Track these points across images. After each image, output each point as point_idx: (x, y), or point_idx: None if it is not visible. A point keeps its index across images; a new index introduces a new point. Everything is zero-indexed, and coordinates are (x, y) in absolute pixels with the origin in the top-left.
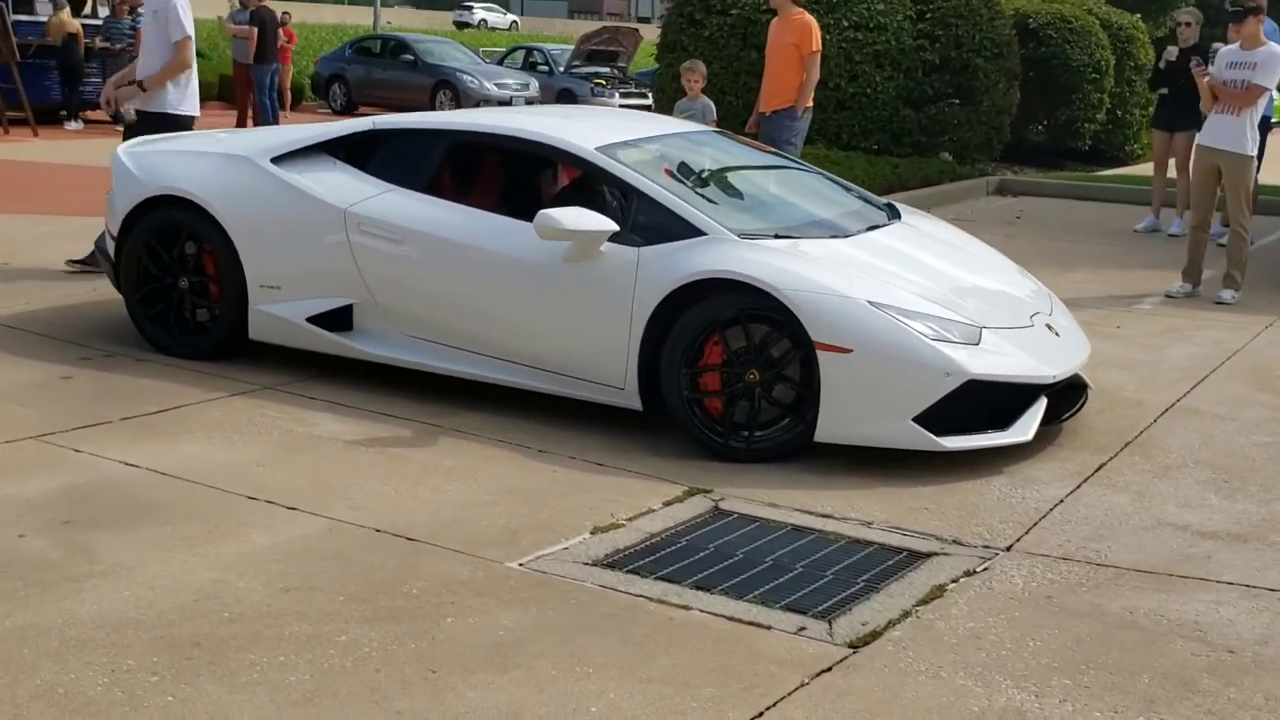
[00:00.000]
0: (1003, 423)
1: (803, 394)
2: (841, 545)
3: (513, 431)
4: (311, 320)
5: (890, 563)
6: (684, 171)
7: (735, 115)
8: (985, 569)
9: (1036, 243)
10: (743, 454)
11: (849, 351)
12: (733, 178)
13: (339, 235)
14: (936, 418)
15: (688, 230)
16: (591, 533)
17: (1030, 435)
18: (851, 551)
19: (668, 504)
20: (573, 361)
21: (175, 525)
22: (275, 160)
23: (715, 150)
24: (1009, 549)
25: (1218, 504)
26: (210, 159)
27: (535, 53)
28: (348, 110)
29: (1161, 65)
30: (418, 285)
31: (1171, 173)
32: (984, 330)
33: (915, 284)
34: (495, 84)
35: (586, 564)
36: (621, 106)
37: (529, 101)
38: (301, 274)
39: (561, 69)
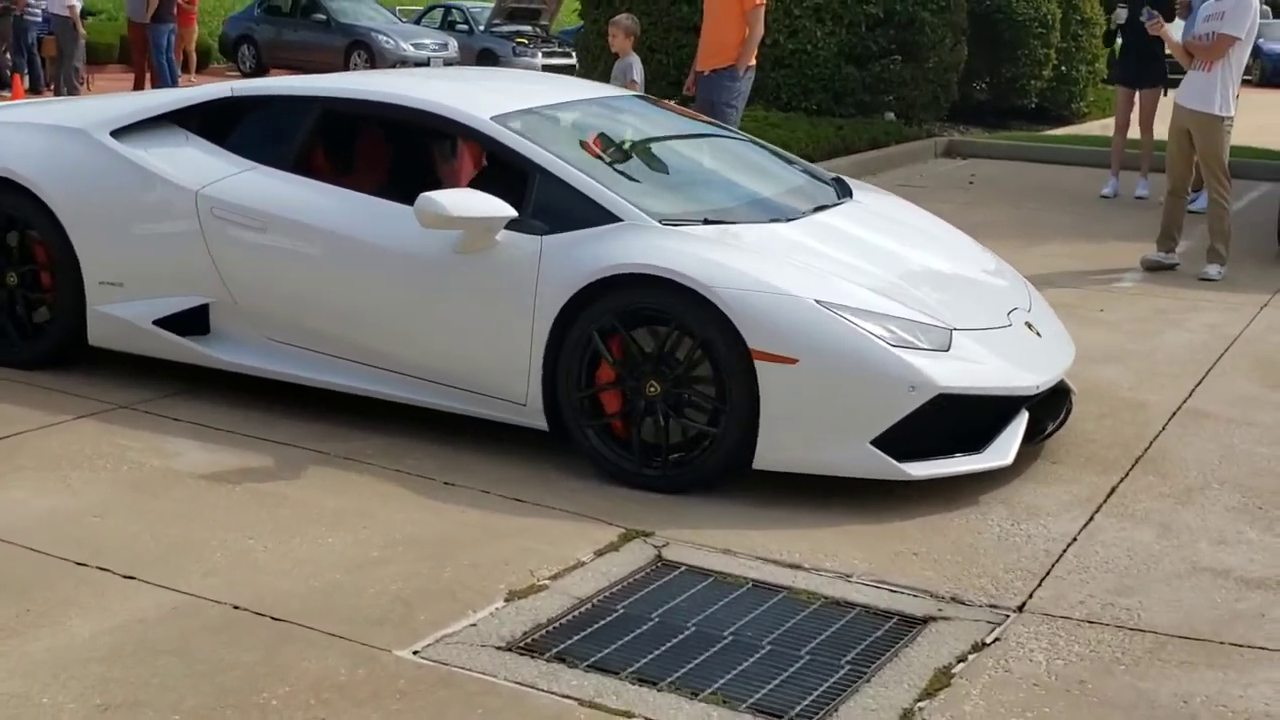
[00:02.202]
0: (977, 443)
1: (719, 408)
2: (817, 608)
3: (415, 458)
4: (160, 323)
5: (879, 633)
6: (598, 144)
7: (666, 75)
8: (996, 640)
9: (997, 211)
10: (658, 483)
11: (794, 362)
12: (655, 151)
13: (190, 222)
14: (899, 439)
15: (599, 215)
16: (506, 599)
17: (1010, 458)
18: (830, 618)
19: (600, 553)
20: (466, 372)
21: None
22: (116, 134)
23: (635, 119)
24: (1021, 609)
25: (1256, 539)
26: (41, 132)
27: (454, 11)
28: (257, 73)
29: (1113, 28)
30: (283, 282)
31: (1134, 132)
32: (954, 333)
33: (872, 277)
34: (412, 44)
35: (499, 648)
36: (544, 68)
37: (447, 63)
38: (147, 269)
39: (482, 28)
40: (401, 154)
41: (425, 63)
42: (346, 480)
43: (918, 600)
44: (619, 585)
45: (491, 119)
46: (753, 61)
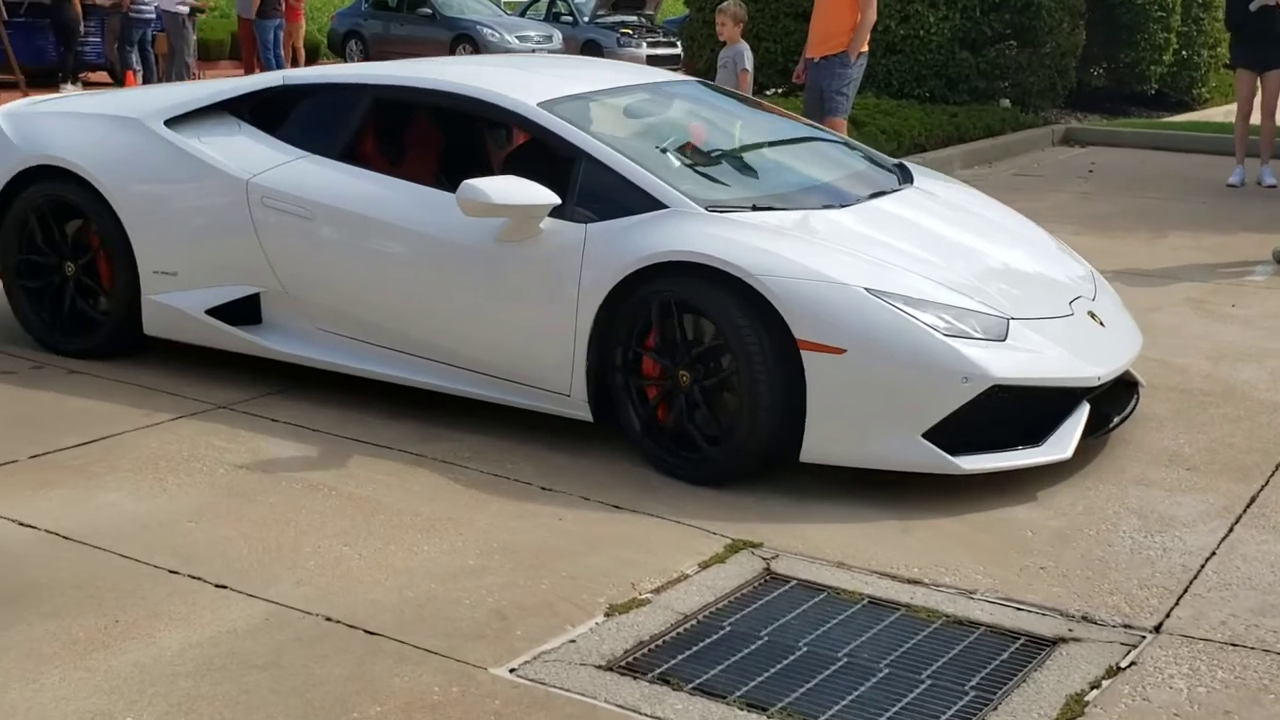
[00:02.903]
0: (1035, 436)
1: (756, 400)
2: (938, 628)
3: (513, 461)
4: (213, 312)
5: (1005, 656)
6: (648, 131)
7: (773, 63)
8: (1133, 664)
9: (1119, 201)
10: (683, 473)
11: (842, 352)
12: (713, 137)
13: (240, 211)
14: (951, 431)
15: (645, 202)
16: (606, 614)
17: (1069, 452)
18: (952, 638)
19: (705, 565)
20: (510, 363)
21: (62, 619)
22: (170, 123)
23: (686, 104)
24: (1158, 629)
25: None
26: (97, 122)
27: (559, 2)
28: None
29: (1253, 8)
30: (330, 271)
31: (1256, 118)
32: (1011, 322)
33: (927, 265)
34: (517, 36)
35: (599, 667)
36: (649, 58)
37: (551, 54)
38: (200, 258)
39: (586, 19)
40: (450, 142)
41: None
42: (443, 485)
43: (1046, 619)
44: (725, 600)
45: (538, 105)
46: (865, 48)
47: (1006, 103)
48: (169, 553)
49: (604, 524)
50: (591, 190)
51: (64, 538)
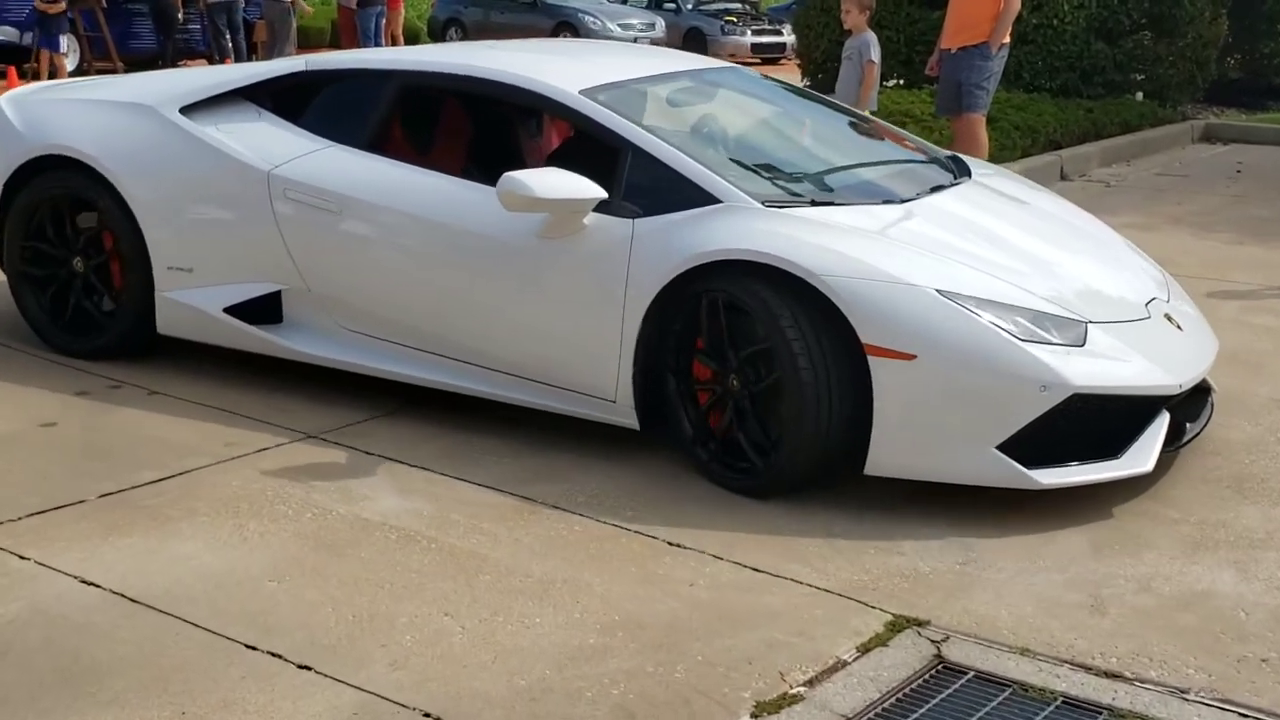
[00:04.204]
0: (1110, 448)
1: (816, 408)
2: None
3: (633, 507)
4: (231, 310)
5: None
6: (696, 121)
7: (895, 53)
8: None
9: (1276, 205)
10: (736, 484)
11: (912, 358)
12: (758, 127)
13: (262, 204)
14: (1026, 443)
15: (696, 196)
16: (753, 715)
17: (1150, 465)
18: None
19: (864, 648)
20: (551, 366)
21: (122, 709)
22: (185, 110)
23: (734, 93)
24: None
25: None
26: (107, 109)
27: None
28: None
29: None
30: (359, 268)
31: None
32: (1090, 326)
33: (996, 263)
34: (619, 24)
35: None
36: (753, 46)
37: (653, 43)
38: (217, 253)
39: (689, 6)
40: (485, 132)
41: (631, 42)
42: (555, 537)
43: None
44: (893, 698)
45: (580, 93)
46: (1007, 39)
47: (1139, 96)
48: (247, 621)
49: (742, 592)
50: (639, 183)
51: (131, 600)
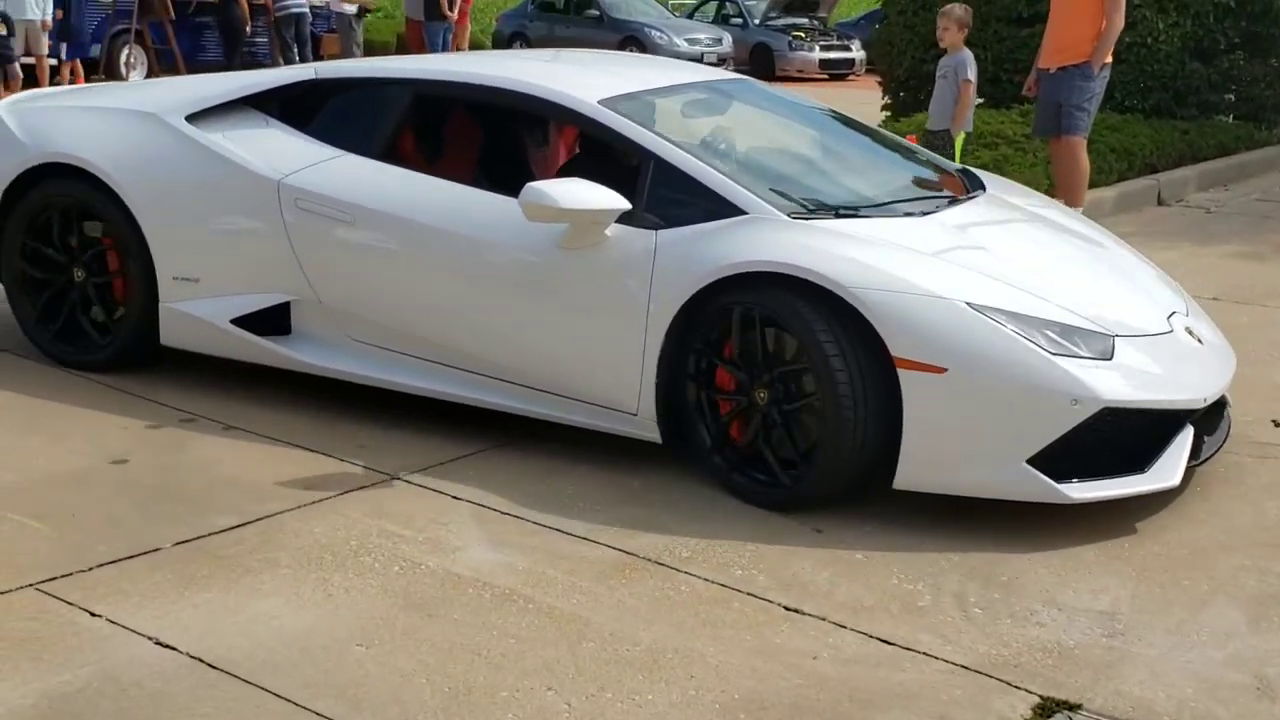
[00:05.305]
0: (1135, 462)
1: (831, 426)
2: None
3: (741, 564)
4: (238, 322)
5: None
6: (715, 132)
7: (983, 72)
8: None
9: None
10: (755, 497)
11: (942, 371)
12: (775, 139)
13: (271, 214)
14: (1056, 457)
15: (721, 207)
16: None
17: (1177, 479)
18: None
19: None
20: (570, 378)
21: None
22: (192, 118)
23: (753, 105)
24: None
25: None
26: (112, 117)
27: (728, 4)
28: None
29: None
30: (371, 279)
31: None
32: (1117, 339)
33: (1021, 276)
34: (686, 39)
35: None
36: (821, 62)
37: (721, 58)
38: (225, 264)
39: (757, 21)
40: (500, 141)
41: (699, 59)
42: (660, 598)
43: None
44: None
45: (599, 103)
46: (1109, 58)
47: (1225, 118)
48: (334, 693)
49: (870, 667)
50: (661, 194)
51: (210, 665)
